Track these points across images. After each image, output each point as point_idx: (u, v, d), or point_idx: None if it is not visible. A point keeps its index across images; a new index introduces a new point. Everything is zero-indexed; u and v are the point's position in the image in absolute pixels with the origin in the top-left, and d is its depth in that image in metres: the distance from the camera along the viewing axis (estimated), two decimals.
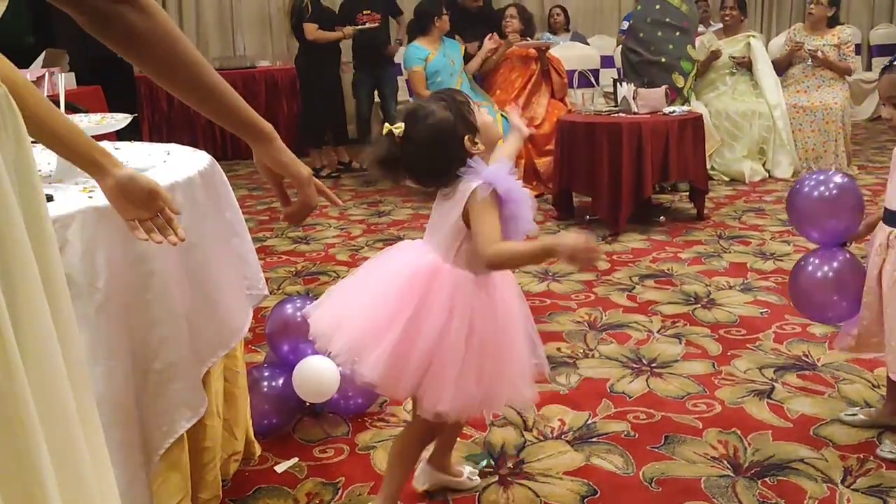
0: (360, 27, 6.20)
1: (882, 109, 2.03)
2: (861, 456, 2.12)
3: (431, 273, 1.67)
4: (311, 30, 5.99)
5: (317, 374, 2.29)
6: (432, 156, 1.66)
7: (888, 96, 1.99)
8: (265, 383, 2.34)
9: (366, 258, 4.09)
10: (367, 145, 6.64)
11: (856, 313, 2.14)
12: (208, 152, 1.99)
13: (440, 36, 5.48)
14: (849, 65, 5.93)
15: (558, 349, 2.87)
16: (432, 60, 5.41)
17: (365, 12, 6.29)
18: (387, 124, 1.67)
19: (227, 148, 7.25)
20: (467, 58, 5.64)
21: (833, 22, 5.94)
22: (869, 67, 8.90)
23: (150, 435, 1.53)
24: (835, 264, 2.16)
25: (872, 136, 7.50)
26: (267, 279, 3.68)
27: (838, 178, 2.18)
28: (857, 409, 2.33)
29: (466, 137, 1.66)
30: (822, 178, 2.20)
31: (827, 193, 2.15)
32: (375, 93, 6.73)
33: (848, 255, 2.17)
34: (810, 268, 2.20)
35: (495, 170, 1.66)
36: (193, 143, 2.25)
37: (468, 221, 1.64)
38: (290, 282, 3.79)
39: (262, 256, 4.12)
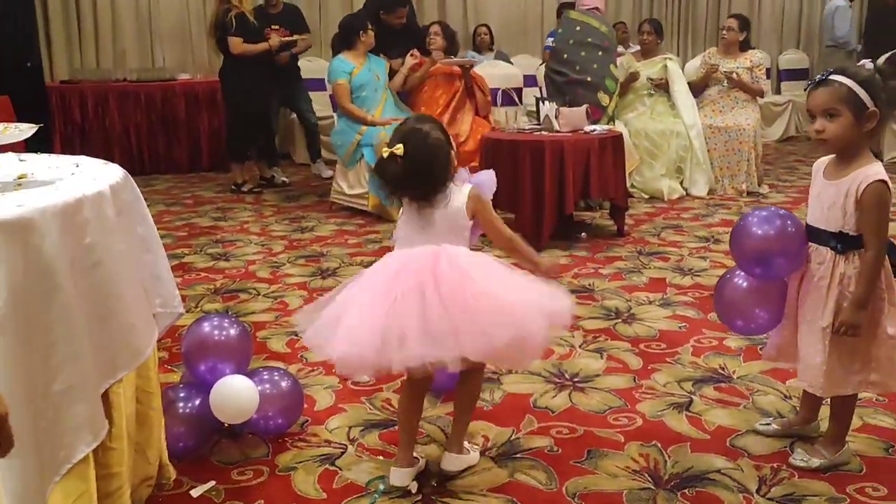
0: (284, 40, 6.16)
1: (815, 122, 2.02)
2: (775, 465, 2.18)
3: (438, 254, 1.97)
4: (237, 43, 5.90)
5: (235, 394, 2.22)
6: (432, 171, 1.96)
7: (824, 109, 1.99)
8: (181, 404, 2.26)
9: (287, 275, 4.03)
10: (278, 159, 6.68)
11: (778, 324, 2.19)
12: (124, 166, 1.92)
13: (365, 51, 5.46)
14: (761, 87, 6.17)
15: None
16: (357, 74, 5.39)
17: (273, 26, 6.27)
18: (385, 148, 1.93)
19: (145, 161, 7.05)
20: (392, 74, 5.63)
21: (745, 46, 6.18)
22: (778, 91, 9.28)
23: (49, 461, 1.44)
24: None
25: (782, 157, 7.82)
26: (185, 297, 3.61)
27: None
28: (770, 419, 2.40)
29: (452, 153, 2.01)
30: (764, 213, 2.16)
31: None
32: (283, 110, 6.69)
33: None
34: (735, 280, 2.24)
35: (478, 177, 2.11)
36: (108, 157, 2.17)
37: (470, 217, 2.03)
38: (209, 299, 3.69)
39: (179, 273, 4.01)
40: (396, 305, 1.87)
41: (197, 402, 2.26)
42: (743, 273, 2.21)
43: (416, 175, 1.94)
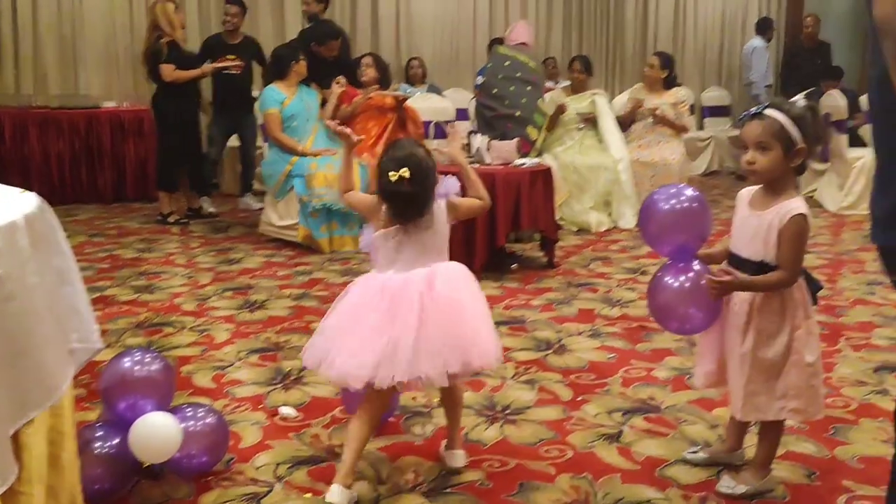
0: (221, 65, 6.10)
1: (747, 153, 2.08)
2: (702, 494, 2.20)
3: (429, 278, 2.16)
4: (168, 70, 5.80)
5: (156, 433, 2.14)
6: (430, 191, 2.16)
7: (756, 141, 2.05)
8: (98, 444, 2.16)
9: (214, 308, 3.93)
10: (214, 188, 6.56)
11: (712, 323, 2.22)
12: (43, 195, 1.84)
13: (297, 81, 5.44)
14: (685, 123, 6.36)
15: (413, 398, 2.83)
16: (289, 105, 5.35)
17: (229, 57, 6.21)
18: (392, 172, 2.08)
19: (67, 191, 6.81)
20: (324, 105, 5.61)
21: (670, 83, 6.37)
22: (701, 127, 9.58)
23: None
24: (690, 275, 2.20)
25: (706, 191, 8.04)
26: (105, 331, 3.48)
27: (689, 192, 2.25)
28: (698, 447, 2.43)
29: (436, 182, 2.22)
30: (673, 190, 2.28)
31: (679, 206, 2.22)
32: (231, 138, 6.62)
33: (700, 268, 2.21)
34: (666, 280, 2.25)
35: (443, 187, 2.23)
36: (27, 185, 2.07)
37: (451, 223, 2.25)
38: (132, 333, 3.56)
39: (101, 307, 3.87)
40: (397, 323, 2.07)
41: (115, 441, 2.16)
42: (671, 273, 2.23)
43: (420, 196, 2.13)
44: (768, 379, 2.10)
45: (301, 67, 5.40)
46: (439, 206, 2.20)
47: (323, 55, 5.94)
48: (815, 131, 2.05)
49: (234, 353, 3.30)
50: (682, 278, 2.21)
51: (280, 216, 5.37)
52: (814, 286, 2.14)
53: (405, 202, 2.13)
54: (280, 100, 5.34)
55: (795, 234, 2.03)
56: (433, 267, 2.17)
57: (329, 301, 4.02)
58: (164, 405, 2.26)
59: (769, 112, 2.04)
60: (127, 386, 2.22)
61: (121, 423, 2.20)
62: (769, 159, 2.04)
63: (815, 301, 2.14)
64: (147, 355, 2.32)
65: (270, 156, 5.46)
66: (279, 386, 2.97)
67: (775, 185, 2.08)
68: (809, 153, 2.06)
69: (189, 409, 2.33)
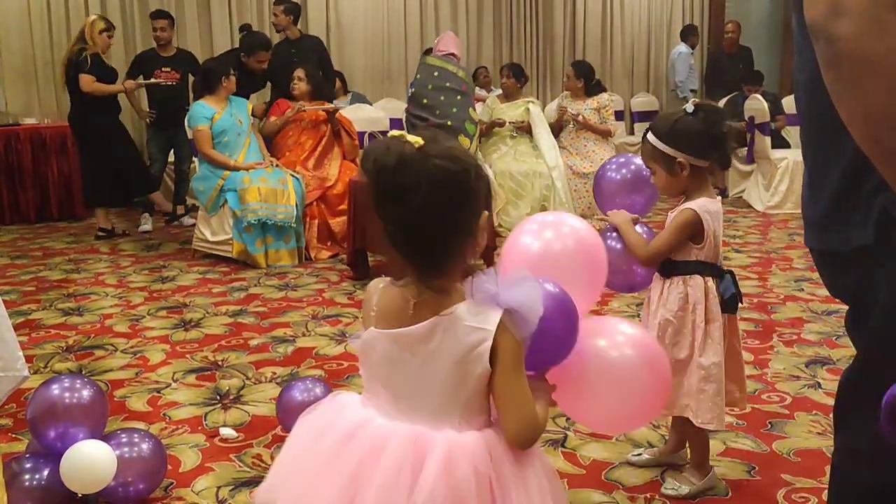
0: (152, 82, 5.96)
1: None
2: (648, 495, 2.22)
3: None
4: (88, 81, 5.64)
5: (89, 461, 2.06)
6: (445, 225, 1.27)
7: (646, 166, 2.17)
8: (27, 476, 2.07)
9: (148, 328, 3.81)
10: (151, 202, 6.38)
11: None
12: None
13: (227, 96, 5.34)
14: (608, 127, 6.47)
15: None
16: (218, 120, 5.25)
17: (164, 69, 6.09)
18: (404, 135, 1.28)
19: None
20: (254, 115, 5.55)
21: (595, 90, 6.47)
22: (632, 131, 9.77)
23: None
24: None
25: None
26: (31, 357, 3.35)
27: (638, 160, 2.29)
28: (641, 449, 2.45)
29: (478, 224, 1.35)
30: (622, 160, 2.33)
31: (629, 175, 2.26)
32: (171, 152, 6.50)
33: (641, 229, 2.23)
34: (608, 242, 2.23)
35: (513, 290, 1.29)
36: None
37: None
38: (60, 358, 3.43)
39: (26, 332, 3.72)
40: None
41: (45, 472, 2.07)
42: (615, 235, 2.25)
43: (431, 228, 1.24)
44: (674, 375, 2.12)
45: (231, 83, 5.32)
46: (482, 320, 1.24)
47: (252, 67, 5.86)
48: (711, 134, 2.07)
49: (169, 375, 3.21)
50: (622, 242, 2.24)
51: (213, 232, 5.26)
52: (728, 292, 2.11)
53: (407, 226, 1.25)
54: (209, 115, 5.24)
55: (676, 223, 2.10)
56: (435, 441, 1.26)
57: (267, 317, 3.98)
58: (96, 432, 2.17)
59: (647, 136, 2.13)
60: (56, 414, 2.13)
61: (51, 454, 2.11)
62: (658, 180, 2.14)
63: (728, 308, 2.12)
64: (77, 381, 2.24)
65: (202, 171, 5.34)
66: (218, 406, 2.90)
67: (687, 192, 2.14)
68: (711, 155, 2.09)
69: (123, 434, 2.25)
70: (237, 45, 6.39)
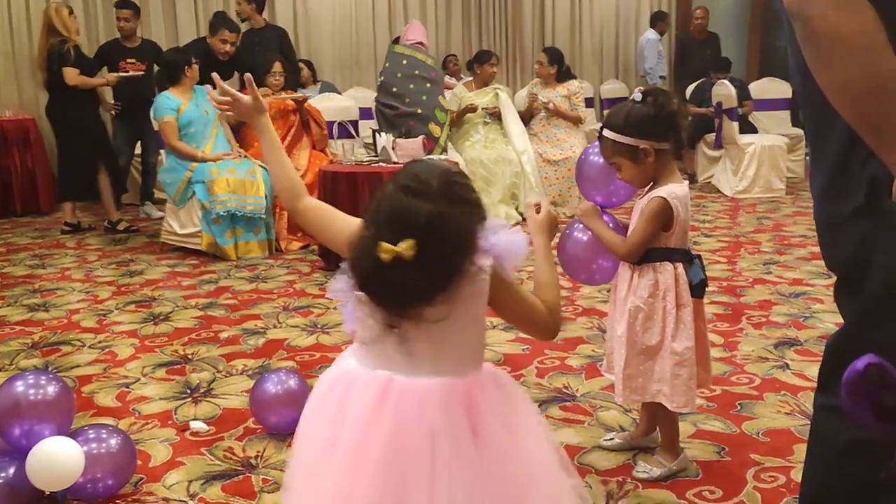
0: (124, 75, 5.87)
1: None
2: (620, 479, 2.24)
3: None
4: (73, 75, 5.54)
5: (56, 458, 2.03)
6: (453, 274, 1.25)
7: (609, 163, 2.17)
8: None
9: (116, 322, 3.76)
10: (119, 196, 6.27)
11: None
12: None
13: (191, 85, 5.27)
14: (579, 114, 6.49)
15: None
16: (185, 111, 5.19)
17: (129, 60, 6.00)
18: (387, 246, 1.19)
19: None
20: None
21: (565, 77, 6.48)
22: (602, 118, 9.81)
23: None
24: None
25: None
26: None
27: None
28: (613, 433, 2.47)
29: (480, 239, 1.30)
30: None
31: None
32: (137, 145, 6.40)
33: (609, 220, 2.25)
34: (574, 234, 2.30)
35: (500, 239, 1.32)
36: None
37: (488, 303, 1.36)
38: (26, 355, 3.37)
39: None
40: (389, 483, 1.26)
41: (11, 470, 2.04)
42: (581, 227, 2.27)
43: (432, 283, 1.23)
44: (645, 361, 2.14)
45: (194, 72, 5.24)
46: (479, 275, 1.29)
47: (216, 48, 5.78)
48: (663, 115, 2.08)
49: (138, 369, 3.17)
50: (589, 233, 2.26)
51: (182, 224, 5.20)
52: (696, 277, 2.13)
53: (394, 292, 1.24)
54: (175, 107, 5.17)
55: (647, 213, 2.10)
56: (452, 382, 1.31)
57: (238, 309, 3.95)
58: (63, 429, 2.14)
59: (604, 133, 2.14)
60: (21, 411, 2.09)
61: (17, 451, 2.07)
62: (625, 173, 2.14)
63: (696, 293, 2.13)
64: (42, 377, 2.20)
65: (168, 162, 5.28)
66: (188, 400, 2.86)
67: (655, 178, 2.15)
68: (669, 136, 2.10)
69: (91, 430, 2.21)
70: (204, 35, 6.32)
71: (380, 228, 1.23)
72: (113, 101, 6.27)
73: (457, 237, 1.24)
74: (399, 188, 1.26)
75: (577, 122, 6.51)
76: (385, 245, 1.19)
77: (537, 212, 1.61)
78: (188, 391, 2.94)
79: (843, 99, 1.11)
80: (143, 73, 6.02)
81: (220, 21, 5.89)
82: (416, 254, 1.19)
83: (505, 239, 1.32)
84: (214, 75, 1.75)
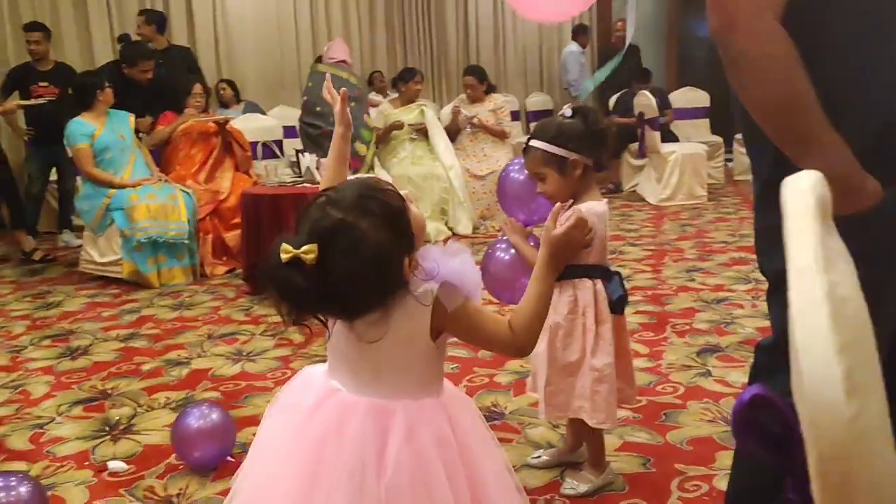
0: (29, 102, 5.66)
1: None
2: (548, 496, 2.24)
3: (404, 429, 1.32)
4: None
5: None
6: (363, 292, 1.24)
7: (534, 173, 2.18)
8: None
9: (30, 359, 3.62)
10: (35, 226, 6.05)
11: None
12: None
13: (105, 109, 5.12)
14: (504, 128, 6.55)
15: (254, 434, 2.70)
16: (99, 136, 5.03)
17: (41, 84, 5.79)
18: (287, 246, 1.19)
19: None
20: (139, 133, 5.35)
21: (489, 91, 6.54)
22: (528, 132, 9.90)
23: None
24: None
25: None
26: None
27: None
28: (541, 451, 2.47)
29: (407, 261, 1.28)
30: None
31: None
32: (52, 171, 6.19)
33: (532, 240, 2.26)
34: (497, 254, 2.30)
35: (449, 265, 1.32)
36: None
37: (436, 336, 1.35)
38: None
39: None
40: (317, 495, 1.29)
41: None
42: (504, 246, 2.27)
43: (332, 296, 1.23)
44: (566, 378, 2.15)
45: (107, 96, 5.09)
46: (420, 299, 1.30)
47: (136, 78, 5.65)
48: (592, 131, 2.11)
49: (53, 408, 3.04)
50: (513, 251, 2.27)
51: (102, 252, 5.05)
52: (616, 294, 2.14)
53: (299, 299, 1.23)
54: (89, 133, 5.01)
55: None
56: (396, 406, 1.34)
57: (161, 339, 3.83)
58: None
59: (532, 143, 2.16)
60: None
61: None
62: (550, 185, 2.15)
63: (616, 310, 2.14)
64: None
65: (85, 190, 5.11)
66: (106, 438, 2.76)
67: (576, 194, 2.16)
68: (597, 152, 2.14)
69: None
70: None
71: (297, 231, 1.24)
72: (26, 127, 6.06)
73: (362, 249, 1.22)
74: (321, 196, 1.29)
75: (502, 136, 6.57)
76: (285, 245, 1.20)
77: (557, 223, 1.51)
78: (106, 429, 2.84)
79: (763, 114, 1.22)
80: (52, 97, 5.83)
81: (135, 53, 5.72)
82: (318, 260, 1.19)
83: (452, 266, 1.32)
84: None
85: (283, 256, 1.19)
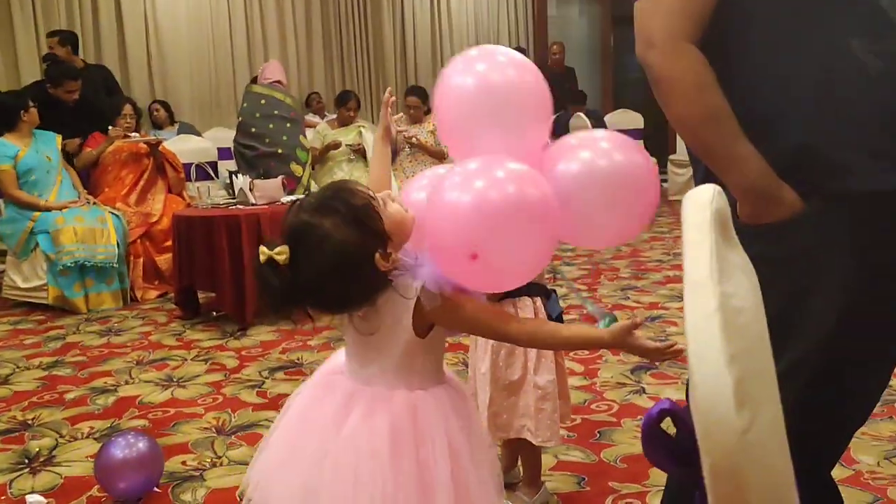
0: None
1: None
2: None
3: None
4: None
5: None
6: (337, 288, 1.32)
7: None
8: None
9: None
10: None
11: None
12: None
13: (30, 130, 4.97)
14: (442, 149, 6.56)
15: (183, 463, 2.63)
16: (23, 157, 4.88)
17: None
18: (264, 248, 1.29)
19: None
20: (67, 155, 5.19)
21: (428, 112, 6.55)
22: None
23: None
24: None
25: None
26: None
27: None
28: None
29: (377, 255, 1.31)
30: None
31: None
32: None
33: None
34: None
35: (430, 268, 1.37)
36: None
37: (421, 330, 1.40)
38: None
39: None
40: (298, 454, 1.44)
41: None
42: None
43: (306, 291, 1.32)
44: (509, 397, 2.15)
45: (32, 116, 4.94)
46: (405, 293, 1.37)
47: (62, 98, 5.49)
48: None
49: None
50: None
51: (25, 278, 4.87)
52: (555, 311, 2.16)
53: (280, 297, 1.32)
54: (12, 154, 4.85)
55: None
56: (374, 392, 1.43)
57: (87, 367, 3.71)
58: None
59: None
60: None
61: None
62: None
63: None
64: None
65: (8, 213, 4.94)
66: (25, 471, 2.64)
67: None
68: None
69: None
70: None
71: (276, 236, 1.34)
72: None
73: (326, 247, 1.29)
74: (296, 202, 1.38)
75: (441, 157, 6.57)
76: (262, 247, 1.30)
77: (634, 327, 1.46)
78: (26, 461, 2.72)
79: (683, 130, 1.28)
80: None
81: (60, 73, 5.55)
82: (290, 260, 1.29)
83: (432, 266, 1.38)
84: None
85: (261, 258, 1.30)
